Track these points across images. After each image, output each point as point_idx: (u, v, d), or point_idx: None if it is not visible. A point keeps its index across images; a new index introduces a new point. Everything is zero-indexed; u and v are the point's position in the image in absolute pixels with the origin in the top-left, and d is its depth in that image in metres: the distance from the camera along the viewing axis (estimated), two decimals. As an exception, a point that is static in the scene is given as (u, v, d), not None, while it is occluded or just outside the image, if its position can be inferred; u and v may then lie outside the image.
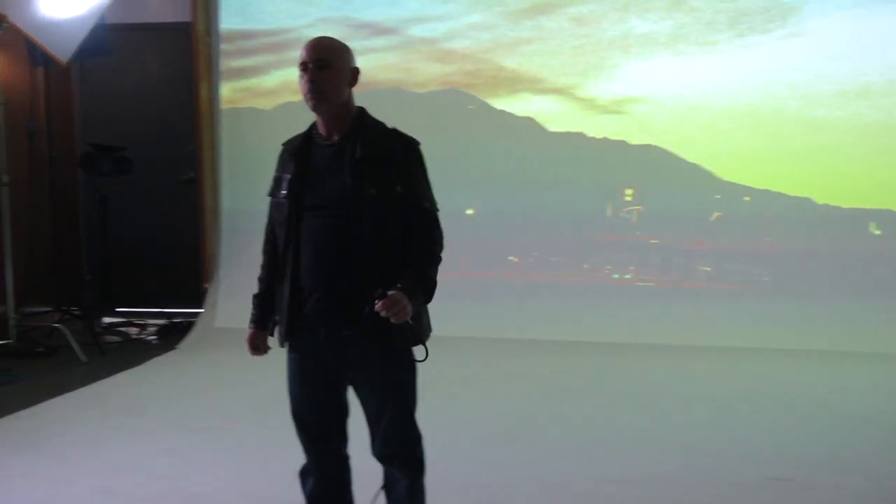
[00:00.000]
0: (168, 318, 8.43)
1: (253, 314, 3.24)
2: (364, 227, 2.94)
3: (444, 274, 3.10)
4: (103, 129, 8.59)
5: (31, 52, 7.90)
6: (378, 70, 8.26)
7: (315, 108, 2.96)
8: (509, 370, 6.96)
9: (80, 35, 7.47)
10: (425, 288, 2.96)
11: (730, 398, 5.98)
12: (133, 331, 8.32)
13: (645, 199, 7.98)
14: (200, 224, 8.48)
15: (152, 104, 8.80)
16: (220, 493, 4.64)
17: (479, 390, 6.43)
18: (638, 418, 5.56)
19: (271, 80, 8.56)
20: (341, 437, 3.20)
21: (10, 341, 7.44)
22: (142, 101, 8.83)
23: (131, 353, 7.47)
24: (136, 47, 8.75)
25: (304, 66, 2.94)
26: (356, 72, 3.03)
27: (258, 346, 3.22)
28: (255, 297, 3.23)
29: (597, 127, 8.01)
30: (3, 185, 7.35)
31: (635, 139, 8.02)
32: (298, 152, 3.05)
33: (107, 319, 8.58)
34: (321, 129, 3.03)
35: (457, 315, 6.73)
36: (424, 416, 3.30)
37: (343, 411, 3.18)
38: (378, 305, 2.76)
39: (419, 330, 2.99)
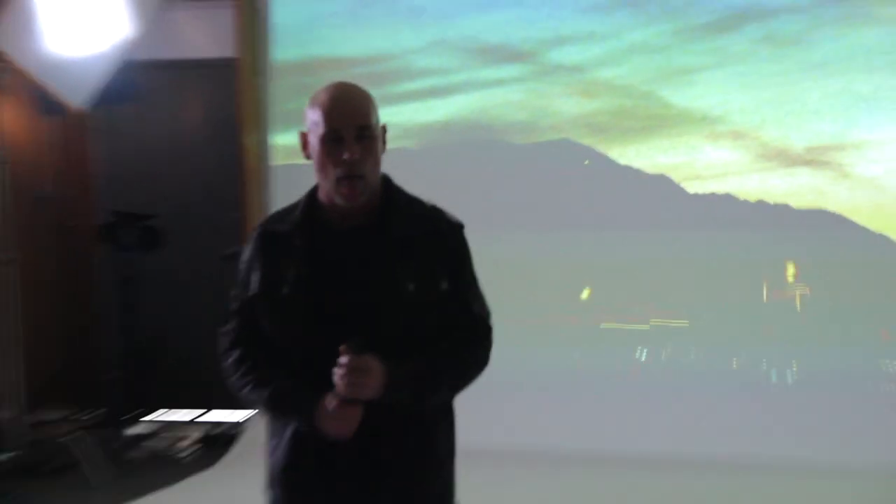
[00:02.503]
0: (208, 427, 7.52)
1: (296, 400, 2.41)
2: (398, 335, 2.40)
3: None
4: (128, 192, 7.77)
5: (39, 98, 6.96)
6: (498, 109, 7.23)
7: (354, 201, 2.36)
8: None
9: (99, 76, 6.59)
10: (421, 390, 2.39)
11: None
12: (163, 444, 7.33)
13: (811, 278, 6.75)
14: None
15: (189, 160, 7.92)
16: None
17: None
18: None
19: None
20: None
21: (17, 453, 6.65)
22: (176, 156, 7.93)
23: (161, 473, 6.48)
24: (168, 90, 7.87)
25: (335, 138, 2.31)
26: (385, 131, 2.47)
27: (338, 417, 2.38)
28: (276, 389, 2.44)
29: (773, 182, 6.82)
30: (6, 264, 6.75)
31: (812, 201, 6.82)
32: (303, 237, 2.45)
33: (132, 430, 7.50)
34: (334, 210, 2.44)
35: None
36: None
37: None
38: (342, 361, 2.25)
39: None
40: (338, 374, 2.25)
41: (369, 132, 2.34)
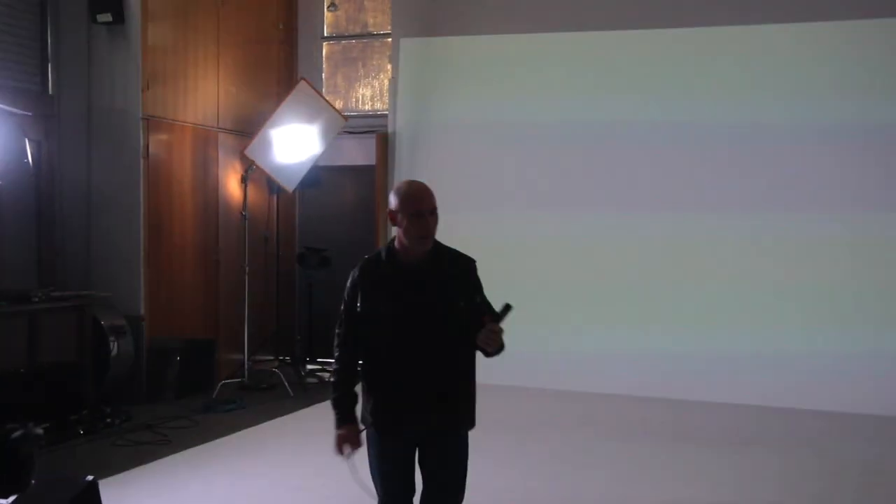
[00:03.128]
0: None
1: (340, 414, 3.50)
2: (455, 333, 3.36)
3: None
4: (313, 236, 10.05)
5: (269, 184, 9.38)
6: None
7: (426, 248, 3.36)
8: None
9: (301, 173, 8.99)
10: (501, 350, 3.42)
11: None
12: (325, 375, 9.36)
13: None
14: None
15: (347, 220, 10.11)
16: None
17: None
18: None
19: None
20: None
21: (244, 379, 8.84)
22: (340, 218, 10.13)
23: (324, 391, 7.86)
24: (336, 182, 9.98)
25: (419, 214, 3.31)
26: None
27: (353, 440, 3.48)
28: (339, 398, 3.51)
29: None
30: (246, 272, 8.90)
31: None
32: (389, 273, 3.39)
33: (309, 367, 9.64)
34: (408, 256, 3.38)
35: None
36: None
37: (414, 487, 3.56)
38: (480, 339, 3.29)
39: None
40: (485, 333, 3.26)
41: (435, 209, 3.34)
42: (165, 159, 8.71)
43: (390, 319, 3.38)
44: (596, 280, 8.81)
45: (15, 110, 7.04)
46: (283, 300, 10.05)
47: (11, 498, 3.93)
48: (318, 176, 9.38)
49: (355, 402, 3.52)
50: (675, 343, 8.39)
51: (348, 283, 3.52)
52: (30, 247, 7.75)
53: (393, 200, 3.40)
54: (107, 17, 8.16)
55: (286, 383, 8.84)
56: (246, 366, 9.02)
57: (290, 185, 9.12)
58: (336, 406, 3.54)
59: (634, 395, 8.28)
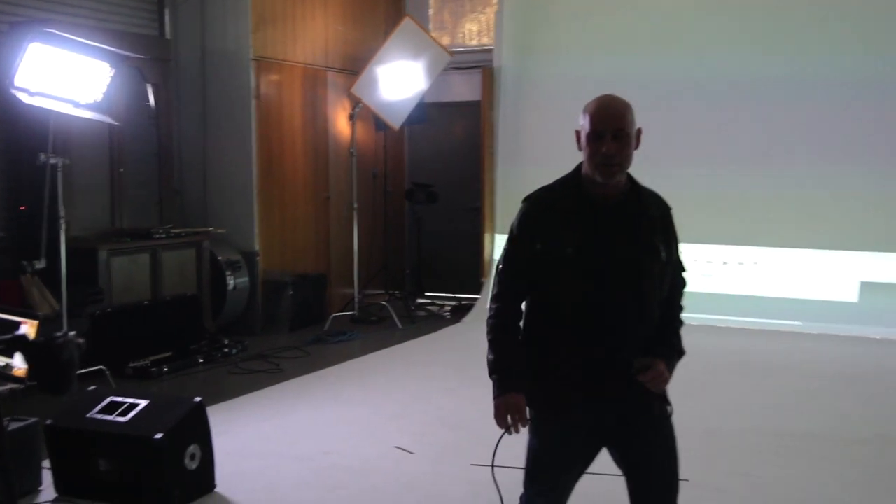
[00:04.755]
0: (458, 301, 9.80)
1: (501, 379, 2.78)
2: (654, 289, 2.77)
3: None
4: (421, 172, 10.31)
5: (376, 121, 9.49)
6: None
7: (609, 180, 2.71)
8: None
9: (407, 109, 9.17)
10: (679, 356, 2.85)
11: None
12: (434, 308, 9.88)
13: None
14: (481, 238, 9.64)
15: (454, 156, 10.26)
16: (480, 421, 4.49)
17: None
18: None
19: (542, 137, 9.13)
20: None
21: (354, 312, 9.12)
22: (447, 154, 10.30)
23: (433, 323, 9.14)
24: (444, 118, 10.11)
25: (598, 135, 2.67)
26: (640, 133, 2.76)
27: (520, 410, 2.76)
28: (499, 359, 2.81)
29: None
30: (355, 209, 9.16)
31: None
32: (578, 210, 2.75)
33: (419, 301, 9.96)
34: (596, 190, 2.74)
35: None
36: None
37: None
38: (644, 377, 2.69)
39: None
40: (648, 383, 2.69)
41: (623, 133, 2.66)
42: (276, 99, 8.96)
43: (574, 267, 2.73)
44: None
45: (134, 55, 7.30)
46: (392, 235, 10.31)
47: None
48: (425, 112, 9.51)
49: (522, 364, 2.81)
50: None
51: (514, 222, 2.86)
52: (151, 186, 8.08)
53: (580, 118, 2.80)
54: (217, -40, 8.37)
55: (395, 316, 9.09)
56: (356, 299, 9.28)
57: (396, 122, 9.28)
58: (496, 369, 2.82)
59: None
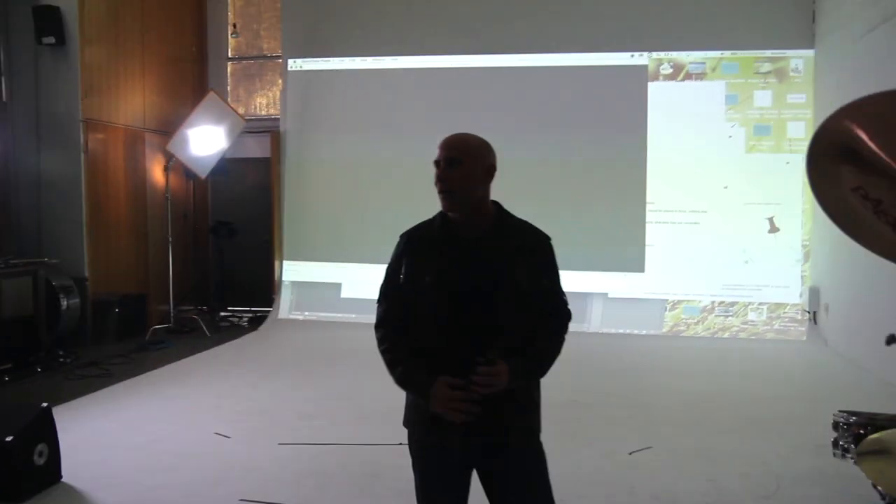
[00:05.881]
0: (254, 313, 9.42)
1: (420, 380, 2.21)
2: (512, 317, 2.21)
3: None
4: (222, 212, 9.88)
5: (186, 172, 9.11)
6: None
7: (449, 209, 2.24)
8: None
9: (212, 163, 8.86)
10: (532, 375, 2.26)
11: None
12: (235, 320, 9.40)
13: None
14: (271, 263, 9.32)
15: (248, 200, 9.89)
16: (281, 409, 5.43)
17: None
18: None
19: (321, 173, 9.02)
20: None
21: (170, 324, 8.72)
22: (243, 198, 9.91)
23: (235, 332, 8.73)
24: (239, 170, 9.67)
25: (436, 164, 2.22)
26: (491, 169, 2.26)
27: (453, 396, 2.13)
28: (407, 369, 2.24)
29: None
30: (170, 241, 8.78)
31: None
32: (439, 243, 2.26)
33: (222, 314, 9.58)
34: (457, 222, 2.26)
35: None
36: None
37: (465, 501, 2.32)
38: (479, 371, 2.08)
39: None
40: (477, 379, 2.06)
41: (455, 161, 2.17)
42: (102, 153, 8.44)
43: (435, 296, 2.24)
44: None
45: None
46: (200, 262, 9.94)
47: None
48: (225, 165, 9.24)
49: (423, 366, 2.24)
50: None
51: (392, 255, 2.37)
52: (-10, 224, 7.26)
53: None
54: (50, 40, 7.84)
55: (204, 327, 8.76)
56: (171, 314, 8.90)
57: (202, 173, 8.97)
58: (406, 380, 2.27)
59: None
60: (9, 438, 3.93)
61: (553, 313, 2.32)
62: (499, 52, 8.78)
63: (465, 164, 2.22)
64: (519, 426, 2.27)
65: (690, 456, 4.47)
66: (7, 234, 7.58)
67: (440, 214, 2.32)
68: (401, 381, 2.27)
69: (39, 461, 4.10)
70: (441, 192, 2.23)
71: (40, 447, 4.11)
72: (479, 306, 2.20)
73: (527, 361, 2.22)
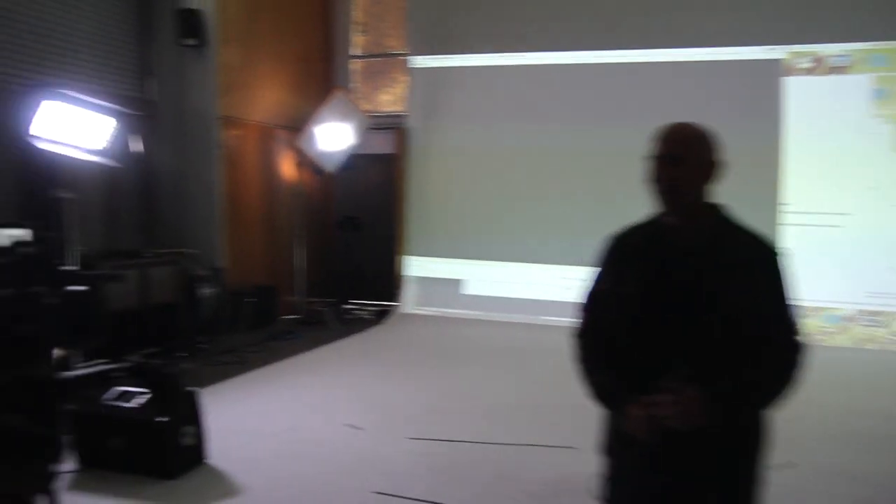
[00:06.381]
0: (378, 307, 9.46)
1: (615, 395, 1.96)
2: (724, 343, 1.87)
3: None
4: (348, 207, 9.96)
5: (315, 167, 9.14)
6: None
7: (666, 210, 1.96)
8: None
9: (339, 159, 9.00)
10: (738, 412, 1.87)
11: None
12: (360, 313, 9.49)
13: None
14: (395, 258, 9.48)
15: (373, 194, 9.90)
16: (409, 402, 5.46)
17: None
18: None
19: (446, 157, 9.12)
20: None
21: (299, 315, 8.93)
22: (368, 192, 9.98)
23: (360, 324, 8.90)
24: (364, 167, 9.71)
25: (653, 159, 1.94)
26: (717, 166, 1.95)
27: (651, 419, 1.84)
28: (602, 381, 2.00)
29: None
30: (299, 235, 9.05)
31: None
32: (648, 250, 1.98)
33: (347, 306, 9.67)
34: (672, 229, 1.96)
35: None
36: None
37: None
38: (662, 395, 1.79)
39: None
40: (663, 401, 1.77)
41: (681, 160, 1.88)
42: (236, 149, 8.73)
43: (637, 312, 1.95)
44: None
45: (128, 111, 6.95)
46: (326, 255, 10.10)
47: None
48: (352, 161, 9.36)
49: (622, 383, 1.97)
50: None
51: (598, 258, 2.12)
52: (138, 215, 7.79)
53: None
54: (192, 41, 8.21)
55: (331, 319, 8.94)
56: (300, 305, 9.10)
57: (330, 169, 9.16)
58: (602, 395, 2.01)
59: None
60: (160, 419, 4.16)
61: (778, 343, 1.93)
62: (623, 48, 8.64)
63: (688, 160, 1.94)
64: (722, 474, 1.92)
65: (835, 474, 4.28)
66: (153, 226, 7.97)
67: (652, 217, 2.02)
68: (596, 396, 2.03)
69: (187, 442, 4.31)
70: (660, 192, 1.96)
71: (189, 428, 4.32)
72: (686, 328, 1.88)
73: (733, 395, 1.85)
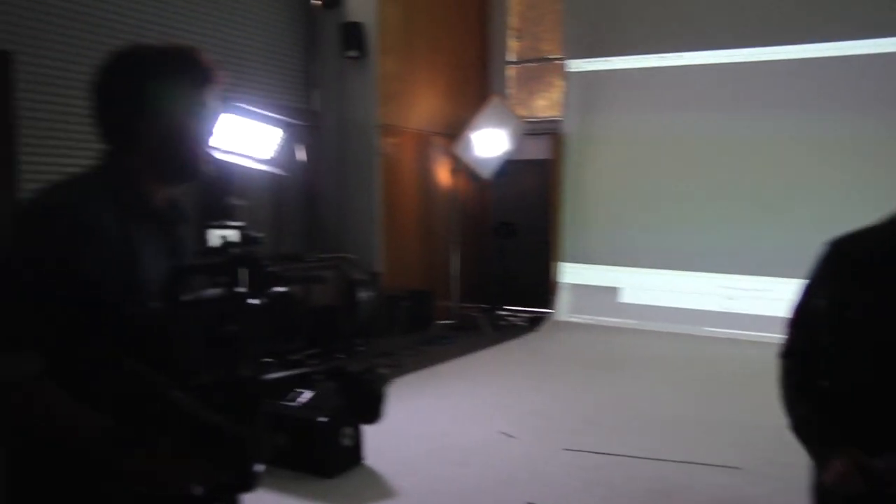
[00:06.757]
0: (532, 314, 9.39)
1: (822, 442, 1.65)
2: None
3: None
4: (504, 213, 9.99)
5: (471, 174, 9.33)
6: None
7: None
8: None
9: (495, 164, 9.07)
10: None
11: None
12: (514, 319, 9.39)
13: None
14: (549, 264, 9.47)
15: (528, 200, 9.99)
16: (563, 412, 5.37)
17: None
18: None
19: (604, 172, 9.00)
20: None
21: (453, 321, 9.04)
22: (523, 198, 10.00)
23: (514, 331, 8.81)
24: (521, 171, 9.74)
25: None
26: None
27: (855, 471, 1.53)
28: (809, 421, 1.69)
29: None
30: (455, 241, 9.16)
31: None
32: (881, 266, 1.60)
33: (501, 313, 9.64)
34: None
35: None
36: None
37: None
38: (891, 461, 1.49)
39: None
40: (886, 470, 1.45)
41: None
42: (394, 156, 8.92)
43: (859, 341, 1.61)
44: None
45: (293, 121, 7.30)
46: (481, 261, 10.11)
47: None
48: (507, 167, 9.38)
49: (832, 424, 1.67)
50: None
51: (812, 267, 1.77)
52: (302, 221, 8.08)
53: None
54: (354, 53, 8.47)
55: (485, 325, 8.96)
56: (455, 310, 9.20)
57: (486, 174, 9.22)
58: (804, 432, 1.73)
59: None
60: (322, 419, 4.28)
61: None
62: (791, 43, 8.18)
63: None
64: None
65: None
66: (315, 231, 8.28)
67: (891, 223, 1.63)
68: (797, 430, 1.74)
69: (346, 443, 4.42)
70: None
71: (347, 429, 4.42)
72: None
73: None
